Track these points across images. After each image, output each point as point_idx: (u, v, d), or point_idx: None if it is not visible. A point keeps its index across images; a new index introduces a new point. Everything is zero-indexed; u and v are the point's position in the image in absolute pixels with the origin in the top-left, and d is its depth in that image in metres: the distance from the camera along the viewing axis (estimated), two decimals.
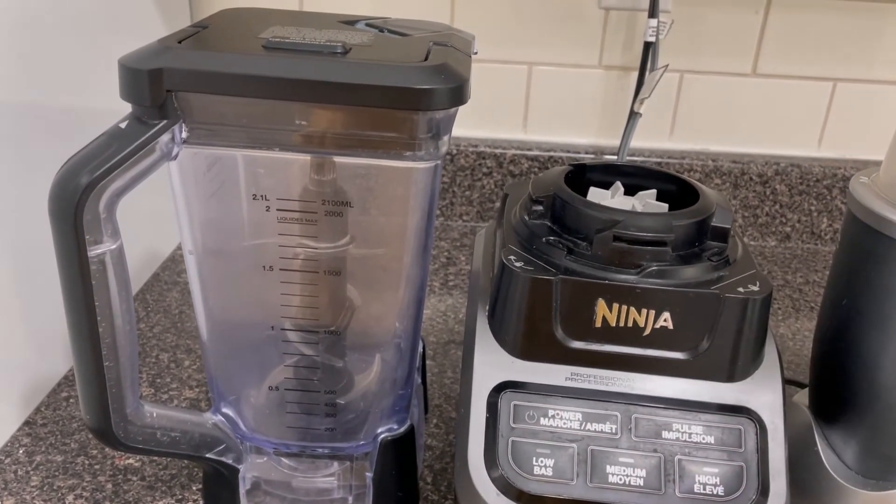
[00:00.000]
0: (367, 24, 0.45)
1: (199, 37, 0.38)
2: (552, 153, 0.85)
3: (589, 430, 0.38)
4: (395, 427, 0.46)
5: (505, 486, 0.37)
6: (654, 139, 0.86)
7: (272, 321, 0.42)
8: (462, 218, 0.88)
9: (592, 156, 0.84)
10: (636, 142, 0.86)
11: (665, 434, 0.38)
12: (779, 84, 0.83)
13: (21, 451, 0.51)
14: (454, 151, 0.85)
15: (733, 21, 0.81)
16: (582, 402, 0.38)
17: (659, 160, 0.84)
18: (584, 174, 0.46)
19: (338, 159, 0.38)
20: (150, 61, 0.34)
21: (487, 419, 0.38)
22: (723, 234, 0.41)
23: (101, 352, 0.37)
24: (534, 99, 0.86)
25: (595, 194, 0.44)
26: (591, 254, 0.39)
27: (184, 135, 0.36)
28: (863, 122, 0.84)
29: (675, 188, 0.45)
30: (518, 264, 0.39)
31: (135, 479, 0.49)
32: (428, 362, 0.62)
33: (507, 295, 0.39)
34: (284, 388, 0.44)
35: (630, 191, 0.46)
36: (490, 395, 0.39)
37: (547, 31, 0.82)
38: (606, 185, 0.46)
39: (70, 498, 0.47)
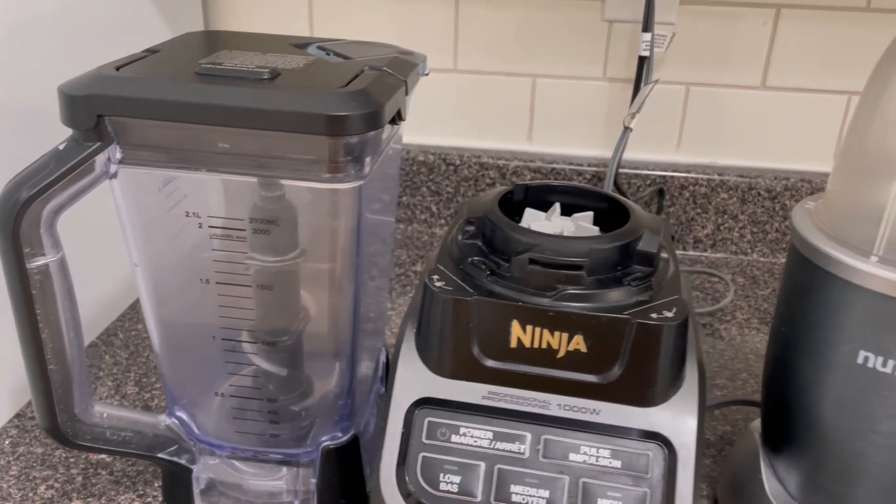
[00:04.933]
0: (319, 47, 0.47)
1: (143, 62, 0.41)
2: (555, 165, 0.85)
3: (498, 449, 0.38)
4: (340, 435, 0.47)
5: (412, 501, 0.38)
6: (660, 152, 0.86)
7: (213, 331, 0.44)
8: None
9: (596, 168, 0.84)
10: (642, 154, 0.85)
11: (573, 456, 0.38)
12: (790, 97, 0.81)
13: (7, 442, 0.54)
14: (457, 162, 0.86)
15: (741, 33, 0.79)
16: (495, 420, 0.39)
17: (663, 173, 0.83)
18: (527, 195, 0.47)
19: (259, 181, 0.39)
20: (84, 88, 0.37)
21: (403, 434, 0.39)
22: (648, 259, 0.40)
23: (44, 355, 0.40)
24: (538, 111, 0.86)
25: (531, 216, 0.45)
26: (510, 276, 0.40)
27: (118, 156, 0.39)
28: None
29: (614, 209, 0.45)
30: (439, 284, 0.40)
31: (104, 473, 0.52)
32: None
33: (429, 314, 0.40)
34: (229, 395, 0.46)
35: (573, 211, 0.46)
36: (408, 411, 0.40)
37: (551, 44, 0.83)
38: (548, 206, 0.46)
39: (42, 488, 0.51)
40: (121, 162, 0.39)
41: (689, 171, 0.83)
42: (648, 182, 0.84)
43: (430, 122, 0.88)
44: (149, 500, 0.50)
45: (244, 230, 0.40)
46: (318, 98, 0.37)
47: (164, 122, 0.37)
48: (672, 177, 0.83)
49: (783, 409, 0.44)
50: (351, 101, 0.36)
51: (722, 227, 0.84)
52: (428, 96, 0.87)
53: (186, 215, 0.40)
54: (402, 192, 0.89)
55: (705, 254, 0.86)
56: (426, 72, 0.48)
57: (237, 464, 0.49)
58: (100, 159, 0.38)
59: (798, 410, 0.42)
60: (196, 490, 0.49)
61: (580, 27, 0.81)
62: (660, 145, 0.85)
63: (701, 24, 0.79)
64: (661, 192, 0.83)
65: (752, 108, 0.82)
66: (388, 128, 0.42)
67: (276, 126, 0.37)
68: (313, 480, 0.48)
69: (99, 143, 0.38)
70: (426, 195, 0.89)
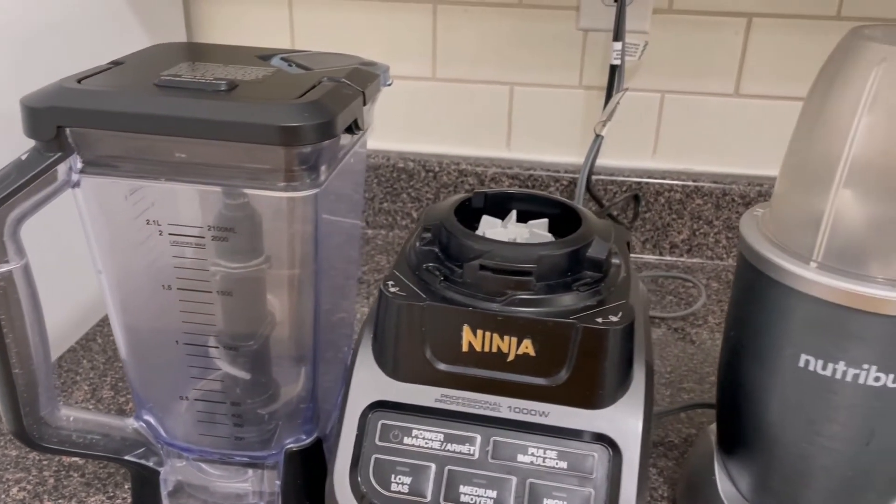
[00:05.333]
0: (283, 59, 0.48)
1: (106, 74, 0.42)
2: (532, 171, 0.86)
3: (449, 451, 0.39)
4: (303, 438, 0.48)
5: (363, 500, 0.39)
6: (636, 159, 0.87)
7: (176, 336, 0.45)
8: None
9: (573, 174, 0.85)
10: (618, 161, 0.86)
11: (521, 457, 0.39)
12: (762, 104, 0.82)
13: None
14: (437, 169, 0.87)
15: (714, 42, 0.80)
16: (447, 423, 0.40)
17: (639, 180, 0.84)
18: (486, 202, 0.48)
19: (217, 189, 0.40)
20: (45, 100, 0.38)
21: (357, 436, 0.40)
22: (597, 265, 0.41)
23: (9, 360, 0.41)
24: (516, 118, 0.87)
25: (487, 223, 0.46)
26: (462, 281, 0.41)
27: (79, 165, 0.40)
28: None
29: (569, 216, 0.46)
30: (393, 290, 0.41)
31: (76, 475, 0.53)
32: None
33: (384, 319, 0.41)
34: (195, 399, 0.47)
35: (532, 218, 0.47)
36: (362, 414, 0.41)
37: (527, 53, 0.84)
38: (508, 213, 0.47)
39: (14, 490, 0.52)
40: (82, 171, 0.40)
41: (664, 178, 0.84)
42: (624, 188, 0.85)
43: (410, 129, 0.90)
44: (118, 501, 0.51)
45: (203, 237, 0.41)
46: (272, 109, 0.38)
47: (122, 133, 0.39)
48: (648, 183, 0.84)
49: (734, 412, 0.45)
50: (304, 111, 0.38)
51: (697, 233, 0.85)
52: (408, 104, 0.88)
53: (147, 223, 0.41)
54: (382, 198, 0.90)
55: (681, 259, 0.86)
56: (388, 82, 0.49)
57: (204, 466, 0.50)
58: (61, 169, 0.39)
59: (747, 413, 0.43)
60: (164, 492, 0.50)
61: (556, 36, 0.82)
62: (636, 152, 0.86)
63: (675, 33, 0.80)
64: (636, 198, 0.84)
65: (725, 115, 0.83)
66: (345, 137, 0.43)
67: (230, 137, 0.38)
68: (278, 482, 0.49)
69: (60, 154, 0.39)
70: (406, 201, 0.90)
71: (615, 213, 0.85)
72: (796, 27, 0.78)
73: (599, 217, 0.81)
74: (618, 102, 0.73)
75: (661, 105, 0.84)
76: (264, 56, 0.48)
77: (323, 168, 0.40)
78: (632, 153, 0.86)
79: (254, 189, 0.40)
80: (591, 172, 0.77)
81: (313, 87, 0.41)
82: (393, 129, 0.90)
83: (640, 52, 0.77)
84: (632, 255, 0.87)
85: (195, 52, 0.48)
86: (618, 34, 0.73)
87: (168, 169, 0.40)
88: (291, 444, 0.48)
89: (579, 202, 0.72)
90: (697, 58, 0.81)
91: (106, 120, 0.38)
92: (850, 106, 0.36)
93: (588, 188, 0.79)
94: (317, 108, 0.38)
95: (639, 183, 0.84)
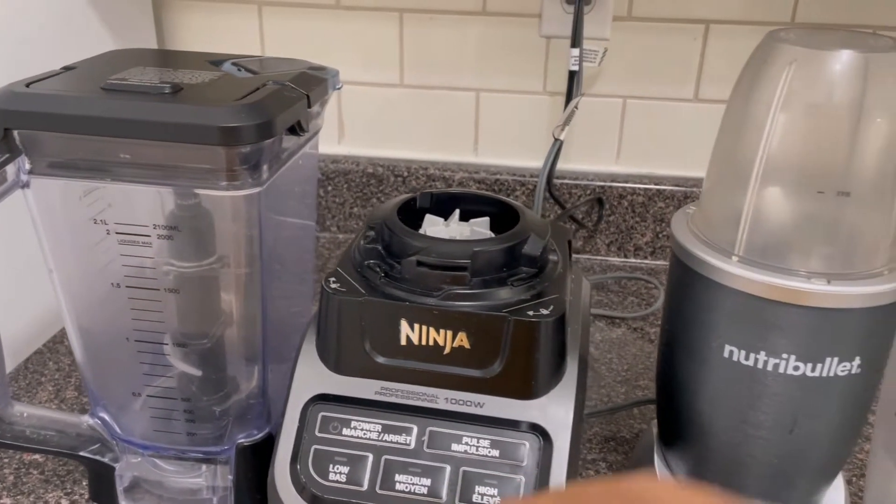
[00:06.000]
0: (234, 63, 0.49)
1: (56, 78, 0.43)
2: (499, 176, 0.88)
3: (386, 441, 0.41)
4: (255, 433, 0.49)
5: (302, 490, 0.40)
6: (600, 163, 0.88)
7: (126, 334, 0.46)
8: None
9: (538, 179, 0.87)
10: (583, 166, 0.88)
11: (455, 447, 0.40)
12: (721, 109, 0.83)
13: None
14: (405, 174, 0.89)
15: (674, 48, 0.82)
16: (385, 414, 0.41)
17: (603, 183, 0.86)
18: (430, 202, 0.49)
19: (161, 188, 0.42)
20: None
21: (298, 428, 0.42)
22: (532, 261, 0.43)
23: None
24: (483, 124, 0.89)
25: (430, 221, 0.47)
26: (400, 277, 0.42)
27: (27, 167, 0.41)
28: None
29: (512, 215, 0.47)
30: (334, 286, 0.42)
31: (35, 472, 0.54)
32: None
33: (326, 314, 0.43)
34: (147, 395, 0.48)
35: (474, 217, 0.48)
36: (304, 406, 0.42)
37: (493, 59, 0.85)
38: (450, 213, 0.49)
39: None
40: (30, 172, 0.41)
41: (627, 181, 0.86)
42: (588, 192, 0.86)
43: (380, 135, 0.91)
44: (76, 497, 0.52)
45: (149, 236, 0.43)
46: (212, 111, 0.39)
47: (68, 135, 0.40)
48: (611, 186, 0.86)
49: (670, 404, 0.46)
50: (242, 113, 0.39)
51: (660, 235, 0.87)
52: (377, 111, 0.90)
53: (95, 222, 0.43)
54: (352, 203, 0.91)
55: (645, 261, 0.88)
56: (338, 86, 0.51)
57: (159, 462, 0.51)
58: (10, 170, 0.41)
59: (681, 404, 0.45)
60: (119, 488, 0.51)
61: (520, 43, 0.84)
62: (600, 156, 0.88)
63: (635, 40, 0.82)
64: (600, 202, 0.86)
65: (686, 119, 0.85)
66: (289, 138, 0.45)
67: (172, 137, 0.39)
68: (230, 477, 0.50)
69: (8, 155, 0.40)
70: (376, 206, 0.91)
71: (579, 216, 0.87)
72: (753, 33, 0.80)
73: (560, 219, 0.82)
74: (575, 107, 0.74)
75: (624, 110, 0.86)
76: (216, 61, 0.49)
77: (265, 167, 0.42)
78: (596, 158, 0.88)
79: (196, 188, 0.41)
80: (551, 175, 0.78)
81: (256, 89, 0.42)
82: (362, 135, 0.92)
83: (599, 59, 0.78)
84: (597, 257, 0.89)
85: (149, 57, 0.50)
86: (575, 41, 0.75)
87: (115, 169, 0.41)
88: (243, 439, 0.49)
89: (539, 204, 0.74)
90: (658, 63, 0.83)
91: (52, 122, 0.39)
92: (765, 105, 0.38)
93: (550, 191, 0.80)
94: (256, 109, 0.39)
95: (602, 187, 0.86)
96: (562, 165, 0.87)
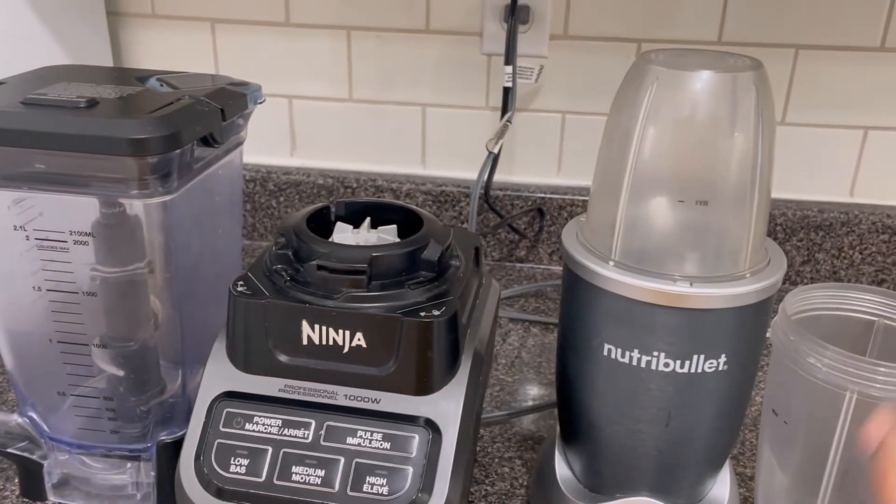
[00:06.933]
0: (158, 79, 0.52)
1: None
2: (444, 187, 0.91)
3: (285, 435, 0.43)
4: (176, 430, 0.52)
5: (205, 482, 0.42)
6: (543, 175, 0.91)
7: (49, 335, 0.48)
8: None
9: (482, 190, 0.90)
10: (526, 178, 0.91)
11: (350, 440, 0.43)
12: None
13: None
14: (354, 185, 0.92)
15: (609, 65, 0.85)
16: (287, 410, 0.44)
17: (544, 195, 0.89)
18: (345, 211, 0.52)
19: (74, 197, 0.44)
20: None
21: (204, 424, 0.44)
22: (430, 265, 0.46)
23: None
24: (429, 137, 0.92)
25: (340, 228, 0.50)
26: (304, 280, 0.45)
27: None
28: None
29: (417, 223, 0.50)
30: (240, 289, 0.45)
31: None
32: None
33: (233, 316, 0.45)
34: (70, 394, 0.51)
35: (381, 224, 0.51)
36: (211, 403, 0.44)
37: (437, 76, 0.89)
38: (360, 221, 0.51)
39: None
40: None
41: (566, 193, 0.89)
42: (530, 203, 0.89)
43: (329, 148, 0.94)
44: (7, 493, 0.54)
45: (66, 241, 0.45)
46: (122, 123, 0.42)
47: None
48: (551, 198, 0.89)
49: (565, 402, 0.49)
50: (149, 125, 0.42)
51: None
52: (327, 124, 0.93)
53: (14, 229, 0.45)
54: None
55: None
56: (261, 100, 0.54)
57: (86, 459, 0.53)
58: None
59: (572, 402, 0.47)
60: (48, 484, 0.53)
61: (462, 60, 0.87)
62: (541, 169, 0.91)
63: (572, 57, 0.85)
64: (541, 212, 0.89)
65: None
66: (204, 150, 0.47)
67: (83, 149, 0.42)
68: (153, 473, 0.52)
69: None
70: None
71: (521, 226, 0.90)
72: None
73: (497, 229, 0.85)
74: (508, 122, 0.77)
75: (563, 125, 0.89)
76: (142, 77, 0.52)
77: (174, 177, 0.44)
78: (537, 170, 0.91)
79: (110, 197, 0.44)
80: (488, 187, 0.81)
81: (169, 104, 0.45)
82: (313, 147, 0.95)
83: (535, 76, 0.82)
84: (540, 266, 0.92)
85: (76, 73, 0.52)
86: (509, 58, 0.78)
87: (35, 179, 0.44)
88: (165, 436, 0.51)
89: (473, 214, 0.77)
90: (594, 80, 0.86)
91: None
92: (634, 120, 0.41)
93: (487, 202, 0.83)
94: (163, 122, 0.42)
95: (543, 198, 0.89)
96: (505, 178, 0.90)
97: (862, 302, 0.44)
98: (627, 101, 0.42)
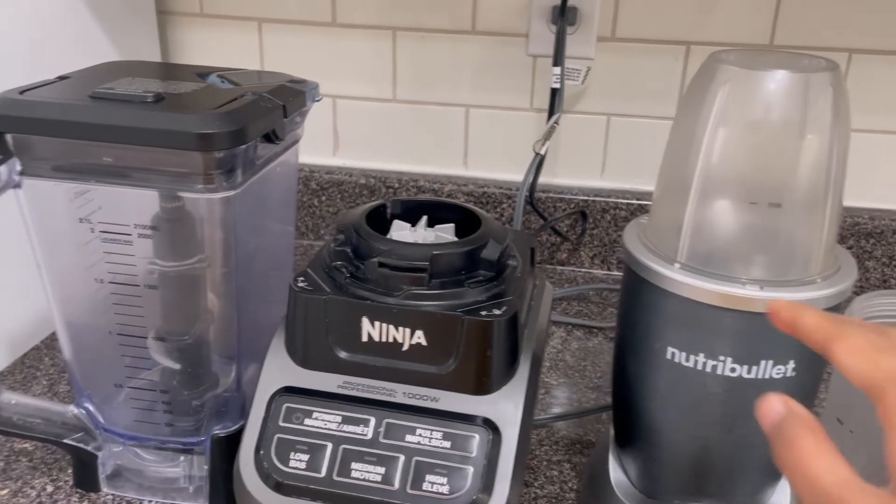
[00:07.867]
0: (218, 76, 0.52)
1: (50, 87, 0.47)
2: (486, 189, 0.90)
3: (345, 432, 0.43)
4: (230, 425, 0.52)
5: (265, 476, 0.43)
6: (586, 178, 0.91)
7: (109, 328, 0.49)
8: None
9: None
10: (569, 180, 0.91)
11: (409, 438, 0.42)
12: None
13: None
14: (396, 185, 0.92)
15: (656, 68, 0.85)
16: (346, 406, 0.44)
17: (586, 198, 0.88)
18: (401, 209, 0.52)
19: (140, 190, 0.45)
20: None
21: (263, 419, 0.44)
22: (490, 265, 0.45)
23: None
24: (472, 138, 0.92)
25: (398, 226, 0.50)
26: (364, 277, 0.45)
27: (18, 168, 0.44)
28: None
29: (475, 222, 0.50)
30: (301, 285, 0.45)
31: (24, 460, 0.57)
32: None
33: (293, 311, 0.45)
34: (127, 387, 0.51)
35: (439, 224, 0.51)
36: (270, 398, 0.45)
37: (481, 77, 0.88)
38: (416, 220, 0.51)
39: None
40: (21, 173, 0.44)
41: (610, 196, 0.88)
42: (573, 205, 0.89)
43: (373, 147, 0.94)
44: (60, 483, 0.55)
45: (130, 235, 0.46)
46: (189, 118, 0.42)
47: (56, 139, 0.43)
48: (595, 201, 0.88)
49: (622, 406, 0.48)
50: (216, 120, 0.42)
51: None
52: (370, 124, 0.93)
53: (80, 221, 0.46)
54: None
55: None
56: (318, 98, 0.54)
57: (139, 451, 0.54)
58: (3, 171, 0.44)
59: (631, 406, 0.47)
60: (102, 475, 0.54)
61: (508, 61, 0.87)
62: (585, 171, 0.90)
63: (619, 60, 0.85)
64: (583, 215, 0.88)
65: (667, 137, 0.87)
66: (265, 146, 0.48)
67: (151, 142, 0.42)
68: (206, 467, 0.52)
69: (0, 157, 0.43)
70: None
71: (563, 229, 0.89)
72: None
73: (541, 231, 0.85)
74: (556, 123, 0.77)
75: (608, 127, 0.88)
76: (203, 74, 0.52)
77: (239, 172, 0.45)
78: (581, 172, 0.90)
79: (174, 191, 0.44)
80: (533, 189, 0.81)
81: (234, 100, 0.45)
82: (356, 147, 0.95)
83: (582, 77, 0.81)
84: (581, 269, 0.91)
85: (141, 69, 0.53)
86: (557, 60, 0.78)
87: (100, 172, 0.44)
88: (219, 430, 0.51)
89: (519, 216, 0.76)
90: (641, 82, 0.86)
91: (41, 127, 0.42)
92: (703, 121, 0.40)
93: (531, 203, 0.83)
94: (229, 117, 0.42)
95: (586, 201, 0.88)
96: (547, 180, 0.90)
97: None
98: (696, 101, 0.41)
